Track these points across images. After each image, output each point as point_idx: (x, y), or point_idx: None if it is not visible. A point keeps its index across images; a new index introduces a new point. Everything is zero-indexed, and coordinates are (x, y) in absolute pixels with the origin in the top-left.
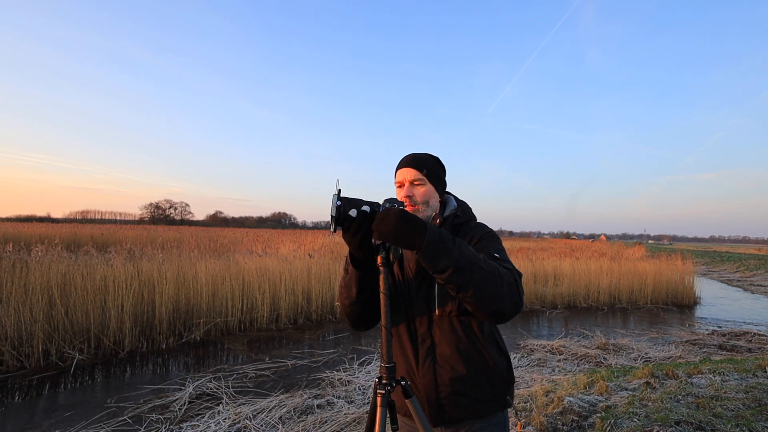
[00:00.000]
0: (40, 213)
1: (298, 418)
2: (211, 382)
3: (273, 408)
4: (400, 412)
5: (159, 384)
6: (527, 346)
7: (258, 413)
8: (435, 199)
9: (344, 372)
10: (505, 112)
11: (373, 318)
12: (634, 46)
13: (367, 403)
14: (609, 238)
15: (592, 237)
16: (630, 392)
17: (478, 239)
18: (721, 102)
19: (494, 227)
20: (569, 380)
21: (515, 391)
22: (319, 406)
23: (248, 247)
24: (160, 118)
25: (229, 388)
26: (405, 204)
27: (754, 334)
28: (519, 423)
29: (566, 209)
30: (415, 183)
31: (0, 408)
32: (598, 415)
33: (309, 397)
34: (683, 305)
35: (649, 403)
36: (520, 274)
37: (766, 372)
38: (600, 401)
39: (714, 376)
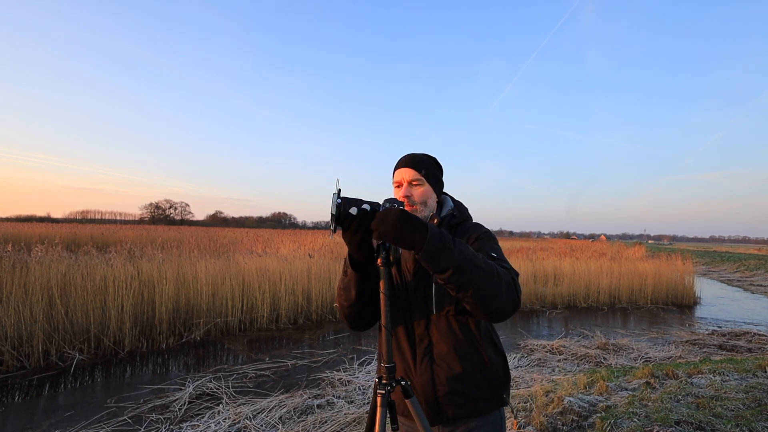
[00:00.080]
0: (40, 213)
1: (298, 418)
2: (211, 382)
3: (273, 408)
4: (398, 412)
5: (159, 384)
6: (527, 346)
7: (258, 413)
8: (433, 200)
9: (344, 372)
10: (505, 112)
11: (371, 318)
12: (635, 45)
13: (367, 403)
14: (609, 238)
15: (592, 237)
16: (630, 392)
17: (475, 239)
18: (721, 102)
19: (494, 227)
20: (569, 380)
21: (515, 391)
22: (319, 406)
23: (248, 247)
24: (160, 118)
25: (229, 388)
26: (405, 204)
27: (754, 334)
28: (515, 421)
29: (566, 209)
30: (414, 183)
31: (0, 408)
32: (598, 415)
33: (309, 397)
34: (683, 305)
35: (649, 403)
36: (517, 273)
37: (766, 372)
38: (600, 401)
39: (714, 376)
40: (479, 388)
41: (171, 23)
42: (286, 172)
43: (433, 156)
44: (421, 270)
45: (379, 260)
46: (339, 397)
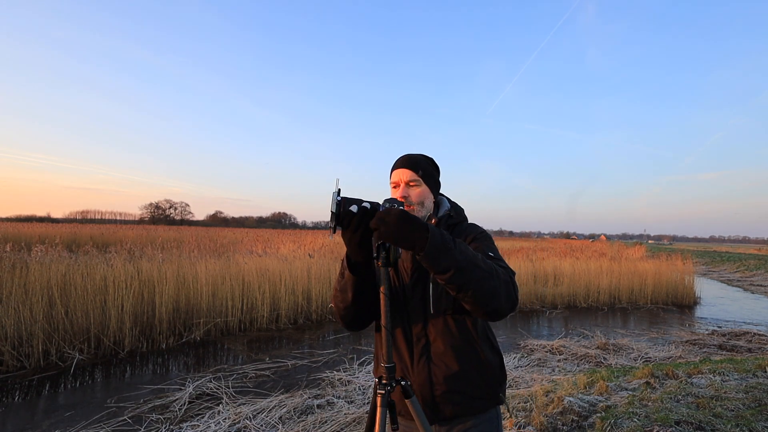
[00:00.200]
0: (40, 213)
1: (298, 418)
2: (211, 382)
3: (273, 408)
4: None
5: (159, 384)
6: (527, 346)
7: (258, 413)
8: (430, 200)
9: (344, 372)
10: (505, 112)
11: (368, 319)
12: (635, 45)
13: (367, 403)
14: (609, 238)
15: (592, 237)
16: (630, 392)
17: (472, 239)
18: (721, 102)
19: (494, 227)
20: (569, 380)
21: (515, 391)
22: (319, 406)
23: (248, 247)
24: (160, 118)
25: (229, 388)
26: (404, 204)
27: (754, 334)
28: (511, 420)
29: (566, 209)
30: (411, 184)
31: (0, 408)
32: (598, 415)
33: (309, 397)
34: (683, 305)
35: (649, 403)
36: (513, 273)
37: (766, 372)
38: (600, 401)
39: (714, 376)
40: (476, 386)
41: (171, 23)
42: (286, 172)
43: (430, 156)
44: (418, 270)
45: (378, 261)
46: (339, 397)
